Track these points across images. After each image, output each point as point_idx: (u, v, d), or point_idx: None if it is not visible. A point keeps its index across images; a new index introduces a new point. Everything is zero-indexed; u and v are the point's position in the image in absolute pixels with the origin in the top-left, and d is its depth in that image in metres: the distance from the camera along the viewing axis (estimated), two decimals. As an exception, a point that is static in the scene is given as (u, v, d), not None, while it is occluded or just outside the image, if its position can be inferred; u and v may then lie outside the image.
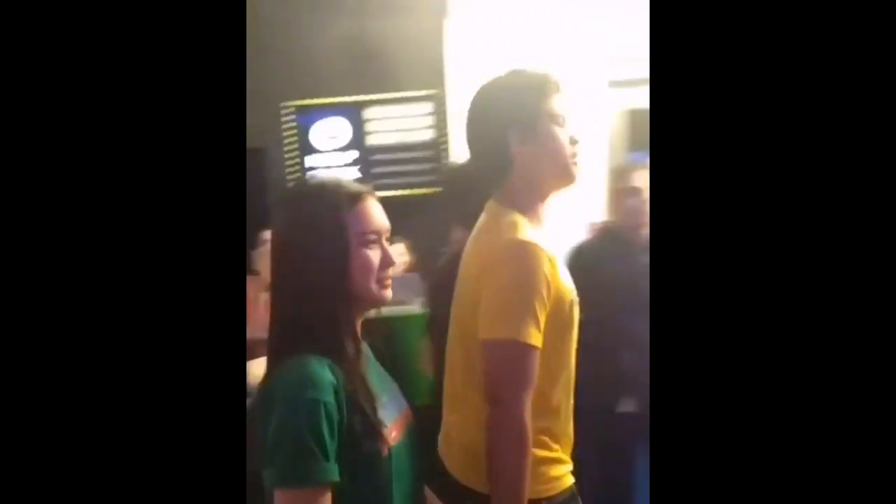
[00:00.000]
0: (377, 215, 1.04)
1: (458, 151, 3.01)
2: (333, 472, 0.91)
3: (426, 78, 3.25)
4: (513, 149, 1.22)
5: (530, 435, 1.13)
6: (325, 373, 0.93)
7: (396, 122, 3.31)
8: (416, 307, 2.40)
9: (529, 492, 1.14)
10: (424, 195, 3.17)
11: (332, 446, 0.91)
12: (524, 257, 1.14)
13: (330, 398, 0.92)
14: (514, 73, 1.28)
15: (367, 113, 3.32)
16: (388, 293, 1.05)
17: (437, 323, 1.81)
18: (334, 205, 1.00)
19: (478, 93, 1.29)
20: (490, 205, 1.29)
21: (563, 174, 1.26)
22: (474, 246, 1.27)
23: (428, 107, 3.28)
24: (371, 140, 3.33)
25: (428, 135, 3.29)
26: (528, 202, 1.26)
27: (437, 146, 3.28)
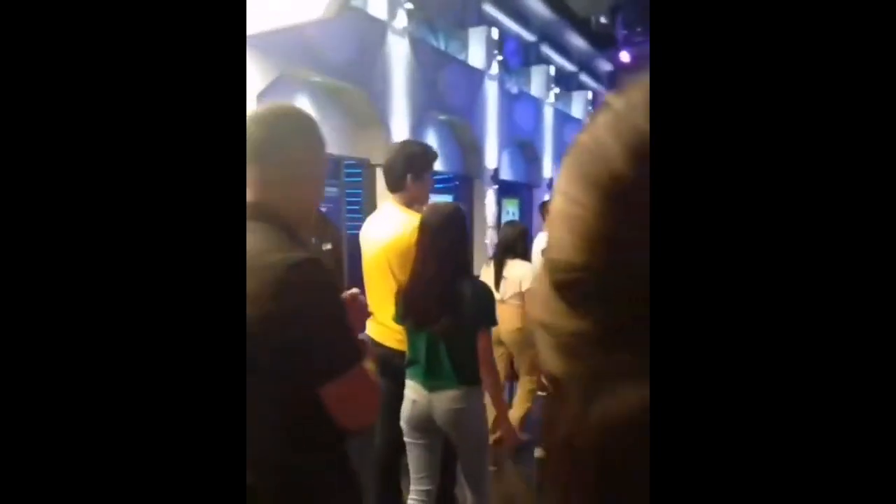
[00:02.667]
0: None
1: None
2: None
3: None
4: (407, 182, 2.59)
5: None
6: None
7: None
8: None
9: None
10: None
11: None
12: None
13: None
14: (415, 141, 2.97)
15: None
16: None
17: None
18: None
19: (394, 148, 2.71)
20: (391, 204, 2.69)
21: (426, 197, 2.69)
22: (392, 224, 2.62)
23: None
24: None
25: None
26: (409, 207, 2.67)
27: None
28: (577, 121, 13.70)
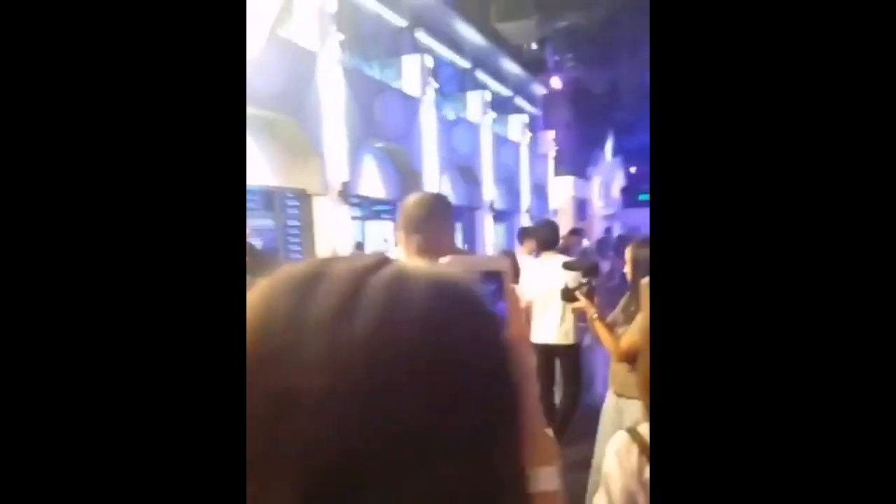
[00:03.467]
0: None
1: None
2: None
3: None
4: None
5: None
6: None
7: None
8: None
9: None
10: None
11: None
12: None
13: None
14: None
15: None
16: None
17: None
18: None
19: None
20: None
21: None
22: None
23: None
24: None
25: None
26: None
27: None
28: (514, 144, 13.94)
